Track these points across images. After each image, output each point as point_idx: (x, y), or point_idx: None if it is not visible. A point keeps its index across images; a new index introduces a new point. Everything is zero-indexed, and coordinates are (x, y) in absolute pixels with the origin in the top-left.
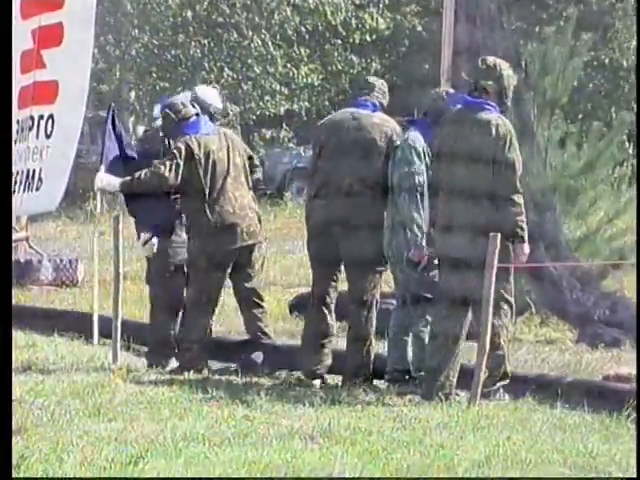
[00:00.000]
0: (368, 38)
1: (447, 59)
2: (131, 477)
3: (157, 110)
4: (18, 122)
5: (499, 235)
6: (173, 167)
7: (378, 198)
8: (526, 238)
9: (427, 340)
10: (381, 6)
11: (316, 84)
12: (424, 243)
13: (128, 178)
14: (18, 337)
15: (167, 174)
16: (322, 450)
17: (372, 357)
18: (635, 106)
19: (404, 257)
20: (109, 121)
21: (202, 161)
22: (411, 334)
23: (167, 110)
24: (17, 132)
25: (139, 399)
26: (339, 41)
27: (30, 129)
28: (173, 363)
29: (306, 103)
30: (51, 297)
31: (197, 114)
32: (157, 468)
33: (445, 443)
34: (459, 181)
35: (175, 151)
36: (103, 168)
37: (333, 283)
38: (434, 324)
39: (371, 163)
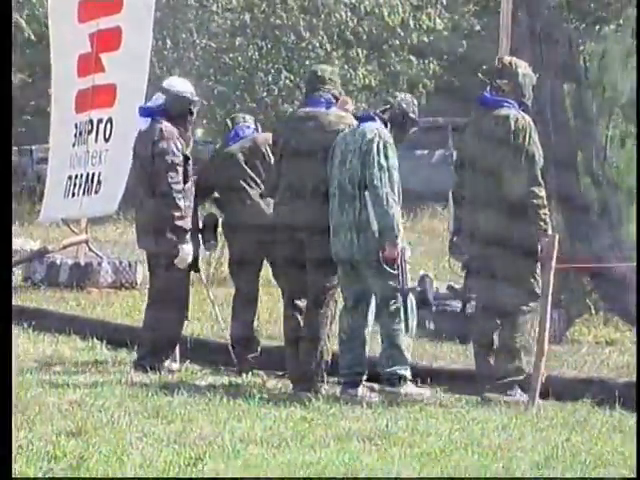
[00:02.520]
0: (426, 39)
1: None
2: (190, 478)
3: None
4: (76, 126)
5: (557, 235)
6: None
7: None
8: (550, 231)
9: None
10: (439, 6)
11: (374, 85)
12: (399, 240)
13: None
14: (78, 340)
15: None
16: (380, 451)
17: (325, 357)
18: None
19: (375, 256)
20: None
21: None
22: (385, 333)
23: None
24: (75, 135)
25: (197, 401)
26: (397, 42)
27: (89, 133)
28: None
29: (364, 104)
30: (110, 299)
31: None
32: (215, 470)
33: (504, 444)
34: (483, 179)
35: None
36: None
37: (304, 288)
38: (474, 328)
39: (323, 159)
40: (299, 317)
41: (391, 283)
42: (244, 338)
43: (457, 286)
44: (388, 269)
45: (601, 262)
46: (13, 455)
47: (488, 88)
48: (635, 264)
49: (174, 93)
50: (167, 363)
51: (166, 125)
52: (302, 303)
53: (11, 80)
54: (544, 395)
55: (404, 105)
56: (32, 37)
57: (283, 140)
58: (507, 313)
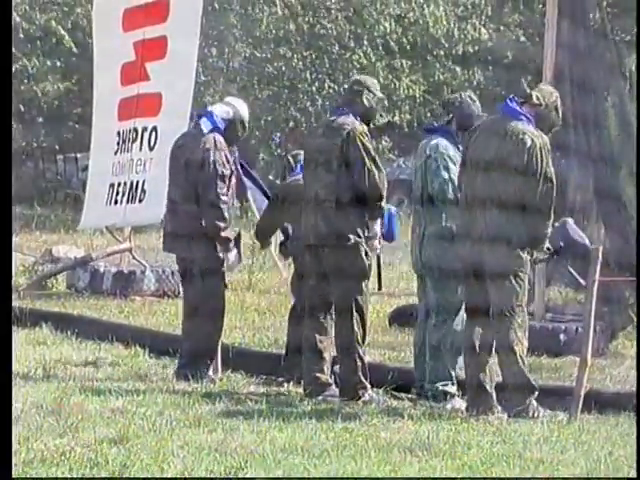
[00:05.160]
0: (470, 49)
1: (549, 71)
2: None
3: (206, 126)
4: (119, 134)
5: (600, 248)
6: None
7: (345, 202)
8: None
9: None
10: (484, 17)
11: (418, 96)
12: None
13: None
14: (120, 348)
15: None
16: (421, 463)
17: (361, 363)
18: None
19: (437, 268)
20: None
21: None
22: (429, 345)
23: None
24: (117, 143)
25: (239, 410)
26: (441, 52)
27: (133, 141)
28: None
29: (407, 115)
30: (153, 308)
31: None
32: (256, 479)
33: (545, 458)
34: (488, 190)
35: None
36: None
37: (325, 297)
38: (465, 337)
39: (329, 168)
40: (315, 328)
41: (445, 297)
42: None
43: None
44: (445, 282)
45: None
46: (56, 461)
47: (511, 96)
48: None
49: (239, 117)
50: (210, 372)
51: (219, 136)
52: (321, 315)
53: (11, 80)
54: (587, 408)
55: (467, 109)
56: (73, 48)
57: (304, 150)
58: (498, 347)
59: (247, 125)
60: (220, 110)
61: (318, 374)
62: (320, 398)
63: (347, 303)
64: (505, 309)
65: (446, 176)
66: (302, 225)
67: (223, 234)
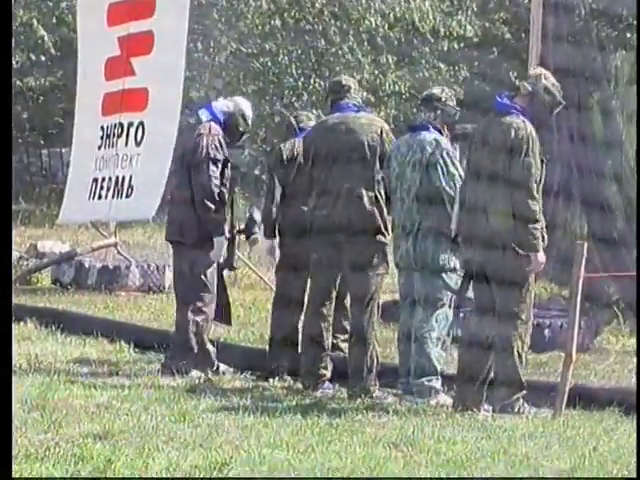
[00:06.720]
0: (456, 45)
1: (535, 67)
2: None
3: (205, 116)
4: (102, 128)
5: (585, 244)
6: None
7: (379, 200)
8: (539, 247)
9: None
10: (469, 13)
11: (403, 91)
12: None
13: None
14: (105, 343)
15: None
16: (406, 458)
17: (376, 361)
18: (636, 109)
19: (430, 263)
20: None
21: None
22: (415, 340)
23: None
24: (101, 138)
25: (224, 405)
26: (427, 48)
27: (119, 136)
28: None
29: (393, 110)
30: (138, 303)
31: None
32: (241, 474)
33: (530, 453)
34: (481, 185)
35: None
36: None
37: (332, 292)
38: (463, 331)
39: (366, 165)
40: (322, 324)
41: (435, 292)
42: (285, 342)
43: None
44: (434, 277)
45: (628, 270)
46: (40, 456)
47: (500, 93)
48: None
49: (240, 110)
50: (223, 368)
51: (214, 124)
52: (327, 310)
53: (11, 79)
54: (571, 404)
55: (450, 103)
56: (51, 49)
57: (315, 147)
58: (497, 340)
59: (249, 120)
60: (220, 103)
61: (322, 370)
62: (319, 393)
63: (370, 298)
64: (510, 306)
65: (456, 172)
66: (320, 217)
67: (213, 215)
